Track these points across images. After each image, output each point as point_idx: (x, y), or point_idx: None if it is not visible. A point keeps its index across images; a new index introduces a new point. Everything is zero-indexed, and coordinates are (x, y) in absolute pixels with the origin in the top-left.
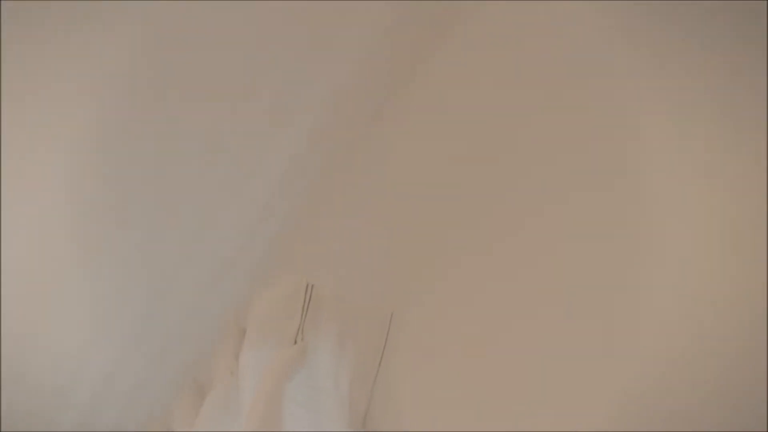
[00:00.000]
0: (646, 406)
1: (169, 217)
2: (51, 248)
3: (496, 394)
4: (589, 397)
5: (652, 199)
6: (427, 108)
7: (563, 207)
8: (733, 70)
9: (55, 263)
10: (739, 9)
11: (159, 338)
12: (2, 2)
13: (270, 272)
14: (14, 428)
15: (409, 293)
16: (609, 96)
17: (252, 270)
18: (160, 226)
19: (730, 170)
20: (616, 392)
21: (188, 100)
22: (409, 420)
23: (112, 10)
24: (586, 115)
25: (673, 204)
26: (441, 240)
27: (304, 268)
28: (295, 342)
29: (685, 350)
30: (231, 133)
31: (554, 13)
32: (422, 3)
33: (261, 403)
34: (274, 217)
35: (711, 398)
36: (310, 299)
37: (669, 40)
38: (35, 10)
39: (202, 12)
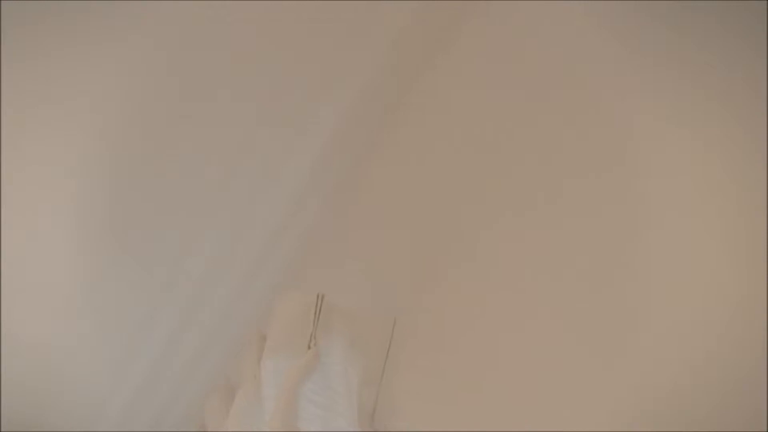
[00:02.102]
0: (650, 408)
1: (199, 222)
2: (83, 257)
3: (498, 394)
4: (593, 399)
5: (654, 200)
6: (433, 112)
7: (567, 212)
8: (732, 69)
9: (89, 272)
10: (739, 8)
11: (193, 342)
12: (2, 2)
13: (291, 279)
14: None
15: (415, 299)
16: (609, 96)
17: (274, 277)
18: (191, 232)
19: (731, 170)
20: (618, 393)
21: (207, 101)
22: (415, 418)
23: (122, 13)
24: (586, 114)
25: (674, 205)
26: (446, 246)
27: (316, 280)
28: (309, 348)
29: (688, 351)
30: (251, 141)
31: (557, 14)
32: (427, 3)
33: (282, 404)
34: (296, 226)
35: (712, 399)
36: (320, 308)
37: (670, 39)
38: (38, 14)
39: (216, 14)
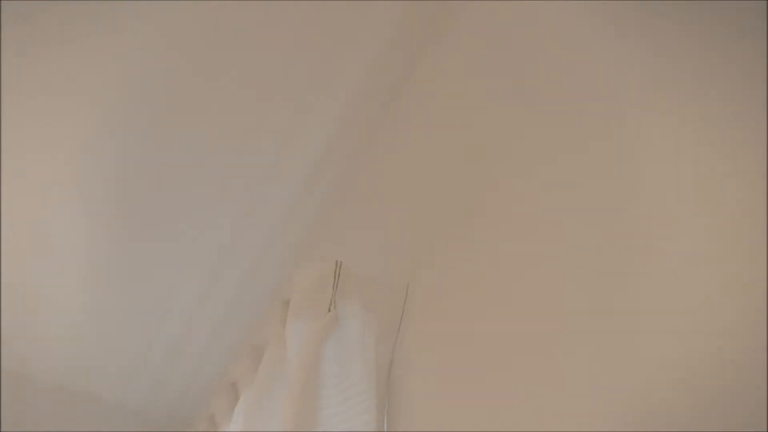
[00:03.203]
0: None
1: (220, 197)
2: (117, 226)
3: (502, 354)
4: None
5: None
6: (434, 99)
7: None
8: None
9: (125, 243)
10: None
11: (220, 308)
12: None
13: (309, 250)
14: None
15: (427, 264)
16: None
17: (295, 246)
18: (214, 208)
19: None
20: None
21: (222, 89)
22: (427, 375)
23: (126, 8)
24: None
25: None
26: (454, 217)
27: (333, 249)
28: (329, 311)
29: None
30: (266, 119)
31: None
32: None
33: (305, 362)
34: (312, 200)
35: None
36: (339, 275)
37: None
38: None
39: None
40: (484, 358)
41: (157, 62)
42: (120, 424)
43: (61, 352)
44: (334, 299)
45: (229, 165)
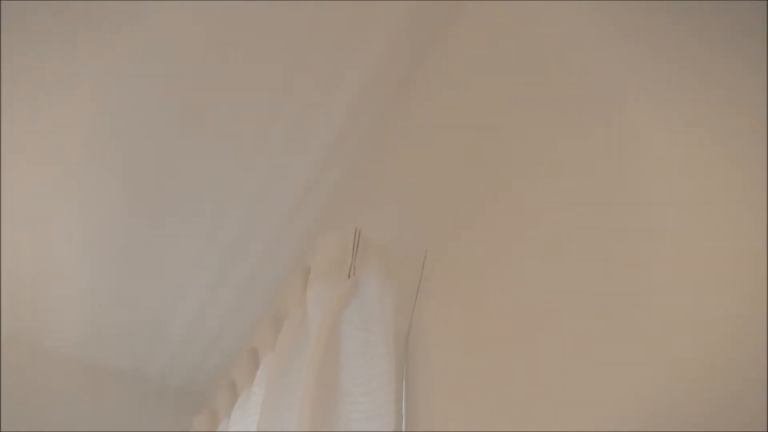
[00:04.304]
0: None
1: (241, 174)
2: (139, 201)
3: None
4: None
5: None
6: (452, 77)
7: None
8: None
9: (146, 219)
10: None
11: (240, 281)
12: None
13: (329, 225)
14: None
15: (444, 235)
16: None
17: (315, 222)
18: (234, 185)
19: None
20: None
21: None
22: (443, 341)
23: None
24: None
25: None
26: (471, 190)
27: (355, 219)
28: (348, 277)
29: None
30: (285, 97)
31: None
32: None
33: (326, 328)
34: (332, 174)
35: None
36: (358, 243)
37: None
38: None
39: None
40: (499, 328)
41: (170, 49)
42: (138, 396)
43: (80, 326)
44: (353, 266)
45: (249, 142)
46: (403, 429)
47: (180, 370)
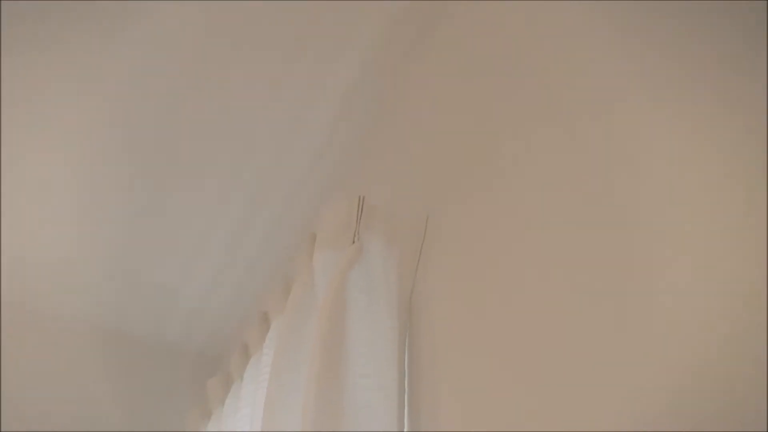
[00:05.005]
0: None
1: (250, 142)
2: (152, 164)
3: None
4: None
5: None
6: (460, 43)
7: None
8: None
9: (159, 183)
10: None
11: (254, 245)
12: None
13: (336, 190)
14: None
15: (445, 200)
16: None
17: (322, 186)
18: (245, 151)
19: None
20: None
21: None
22: (444, 302)
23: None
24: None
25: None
26: (472, 156)
27: (362, 184)
28: (353, 243)
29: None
30: (293, 66)
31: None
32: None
33: (332, 291)
34: (338, 140)
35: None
36: (362, 209)
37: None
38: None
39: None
40: (498, 290)
41: (186, 15)
42: (153, 361)
43: (94, 293)
44: (357, 232)
45: (258, 108)
46: (406, 385)
47: (196, 335)
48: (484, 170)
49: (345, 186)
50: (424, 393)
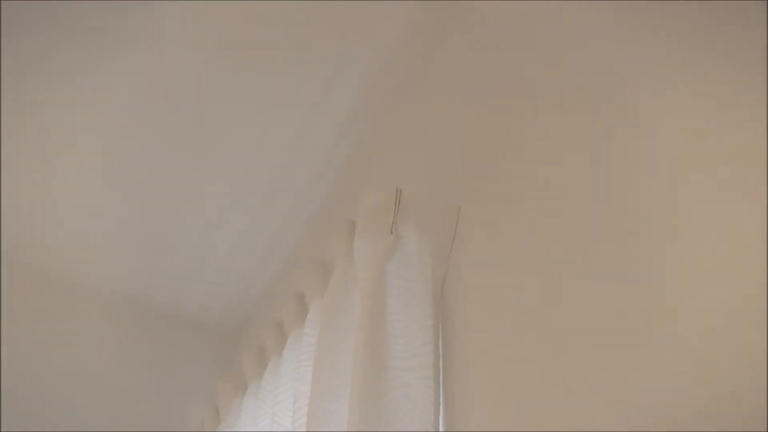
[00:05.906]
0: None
1: (273, 120)
2: (176, 137)
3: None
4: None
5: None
6: (488, 23)
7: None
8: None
9: (183, 156)
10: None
11: (277, 219)
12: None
13: (361, 172)
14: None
15: (476, 191)
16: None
17: (347, 166)
18: (268, 129)
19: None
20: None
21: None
22: (475, 286)
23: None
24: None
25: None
26: (502, 146)
27: (389, 168)
28: (391, 232)
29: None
30: (315, 48)
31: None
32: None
33: (372, 278)
34: (367, 120)
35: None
36: (399, 201)
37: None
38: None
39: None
40: (526, 278)
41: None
42: (175, 331)
43: (116, 261)
44: (395, 222)
45: (281, 90)
46: (441, 366)
47: (217, 306)
48: (511, 162)
49: (372, 171)
50: (457, 376)
